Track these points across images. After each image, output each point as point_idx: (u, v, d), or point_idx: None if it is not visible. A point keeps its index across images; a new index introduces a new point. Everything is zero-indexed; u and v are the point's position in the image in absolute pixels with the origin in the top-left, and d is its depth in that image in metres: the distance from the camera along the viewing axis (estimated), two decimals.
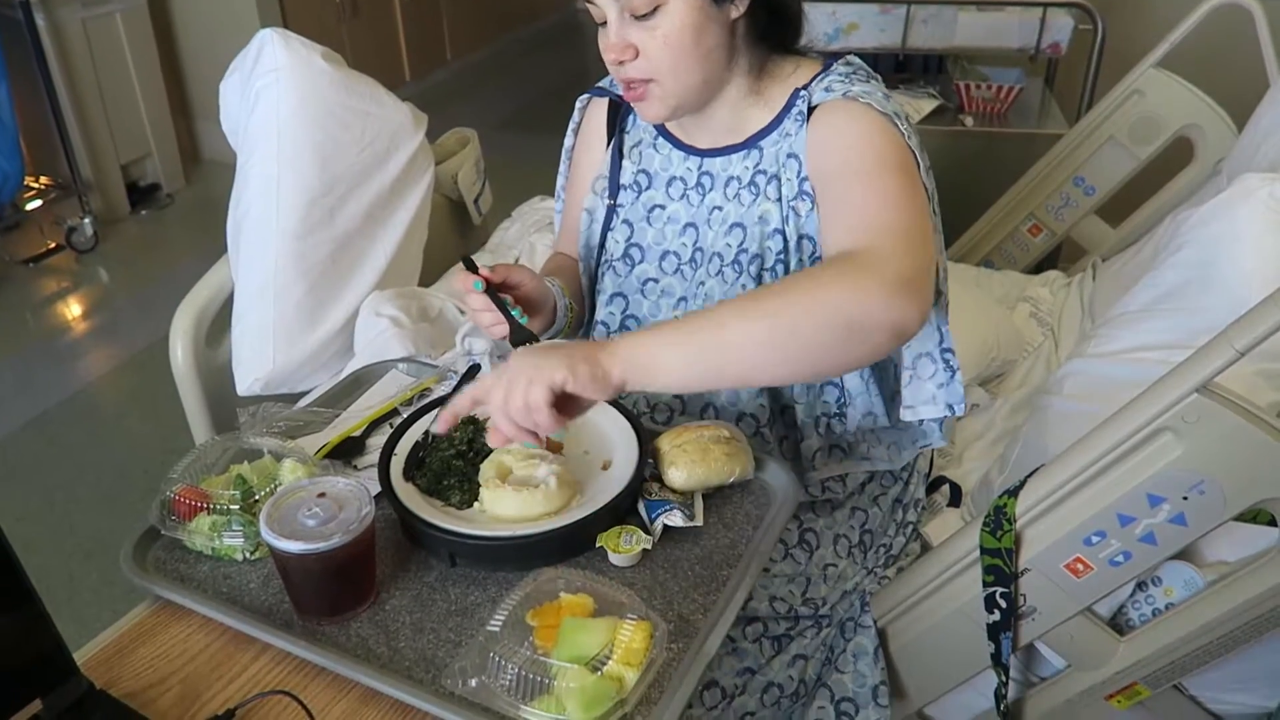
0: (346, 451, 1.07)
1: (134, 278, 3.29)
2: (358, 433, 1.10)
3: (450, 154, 1.94)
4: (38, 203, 3.34)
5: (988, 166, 2.33)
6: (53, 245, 3.35)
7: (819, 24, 2.35)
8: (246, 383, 1.52)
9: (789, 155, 1.09)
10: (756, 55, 1.09)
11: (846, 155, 1.01)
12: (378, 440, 1.09)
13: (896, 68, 2.69)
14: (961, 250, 2.22)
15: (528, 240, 1.94)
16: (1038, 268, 2.14)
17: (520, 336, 1.03)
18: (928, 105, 2.41)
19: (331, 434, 1.09)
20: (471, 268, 1.03)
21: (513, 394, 0.83)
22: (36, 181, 3.38)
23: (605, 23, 1.03)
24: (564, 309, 1.20)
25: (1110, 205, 2.05)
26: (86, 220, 3.33)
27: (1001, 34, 2.33)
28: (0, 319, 3.03)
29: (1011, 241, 2.17)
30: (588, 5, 1.03)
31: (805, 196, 1.08)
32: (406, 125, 1.66)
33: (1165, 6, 2.60)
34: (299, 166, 1.52)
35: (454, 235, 1.97)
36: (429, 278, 1.78)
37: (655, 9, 0.99)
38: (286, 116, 1.51)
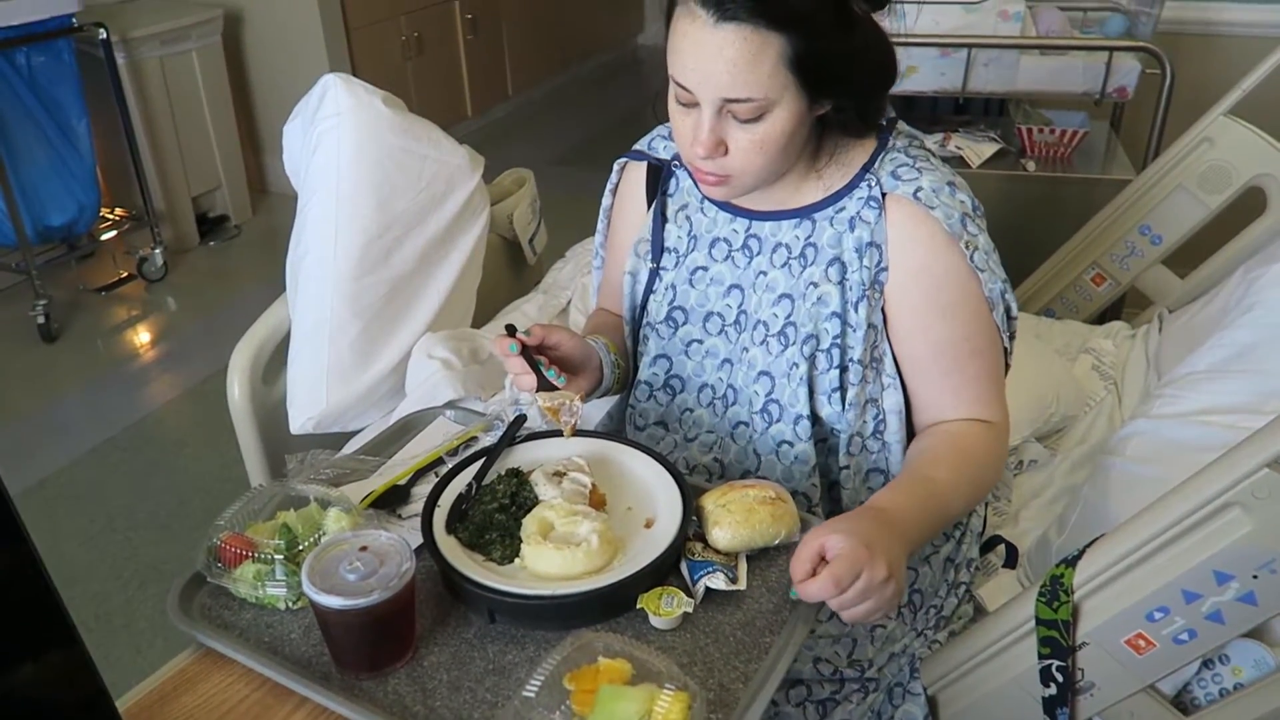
0: (391, 500, 1.08)
1: (201, 307, 3.38)
2: (403, 481, 1.10)
3: (507, 193, 1.96)
4: (112, 233, 3.46)
5: (1049, 212, 2.28)
6: (124, 274, 3.46)
7: None
8: (299, 421, 1.53)
9: (869, 244, 1.07)
10: (817, 137, 1.08)
11: (940, 316, 1.07)
12: (422, 489, 1.09)
13: (956, 110, 2.65)
14: (1021, 298, 2.16)
15: (580, 281, 1.95)
16: (1100, 318, 2.08)
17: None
18: (988, 149, 2.36)
19: (377, 482, 1.10)
20: (511, 333, 1.06)
21: (858, 607, 0.90)
22: (111, 213, 3.51)
23: (693, 105, 0.99)
24: (611, 366, 1.20)
25: (1178, 255, 1.99)
26: (157, 250, 3.43)
27: (1065, 78, 2.28)
28: (73, 346, 3.13)
29: (1074, 290, 2.11)
30: (679, 86, 0.99)
31: (879, 286, 1.08)
32: (464, 168, 1.68)
33: (1238, 52, 2.54)
34: (357, 208, 1.54)
35: (508, 275, 1.99)
36: (482, 318, 1.79)
37: (760, 115, 0.97)
38: (347, 160, 1.53)
